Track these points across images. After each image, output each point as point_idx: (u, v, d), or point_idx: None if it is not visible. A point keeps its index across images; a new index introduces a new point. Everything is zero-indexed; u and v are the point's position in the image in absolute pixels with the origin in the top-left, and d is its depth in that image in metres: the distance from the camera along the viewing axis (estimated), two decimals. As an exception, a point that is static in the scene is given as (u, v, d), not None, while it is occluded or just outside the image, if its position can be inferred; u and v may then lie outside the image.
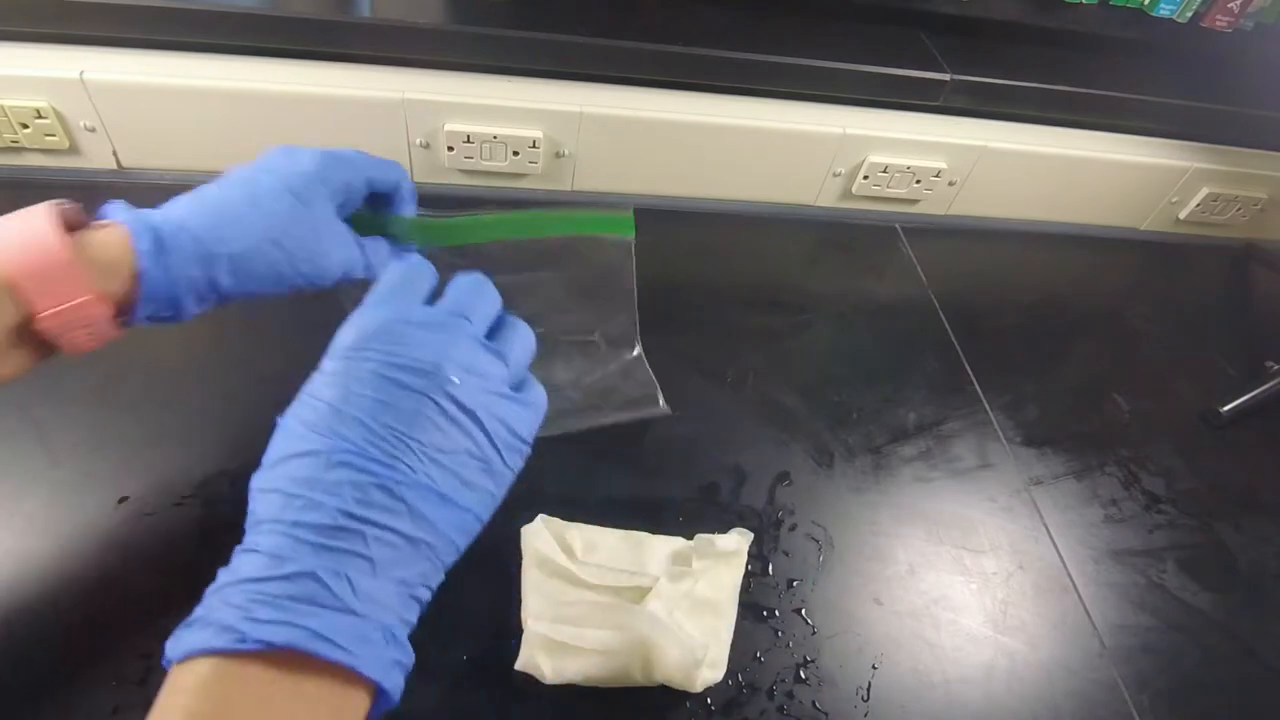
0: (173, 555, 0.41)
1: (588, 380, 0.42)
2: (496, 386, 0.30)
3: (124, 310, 0.33)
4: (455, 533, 0.29)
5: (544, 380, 0.33)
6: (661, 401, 0.40)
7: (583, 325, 0.43)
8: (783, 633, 0.44)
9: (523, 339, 0.34)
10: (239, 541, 0.27)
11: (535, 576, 0.41)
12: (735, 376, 0.58)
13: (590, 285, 0.40)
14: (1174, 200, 0.82)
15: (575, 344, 0.42)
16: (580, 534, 0.43)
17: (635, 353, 0.42)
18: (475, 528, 0.30)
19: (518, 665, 0.38)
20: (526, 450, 0.32)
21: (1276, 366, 0.66)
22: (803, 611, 0.45)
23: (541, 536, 0.42)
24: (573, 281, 0.39)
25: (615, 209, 0.37)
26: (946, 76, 0.68)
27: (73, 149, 0.61)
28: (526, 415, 0.32)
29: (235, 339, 0.53)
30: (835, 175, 0.73)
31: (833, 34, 0.70)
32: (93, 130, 0.60)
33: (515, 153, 0.66)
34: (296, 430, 0.28)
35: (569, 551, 0.42)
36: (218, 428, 0.47)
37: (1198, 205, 0.82)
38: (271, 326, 0.54)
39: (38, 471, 0.44)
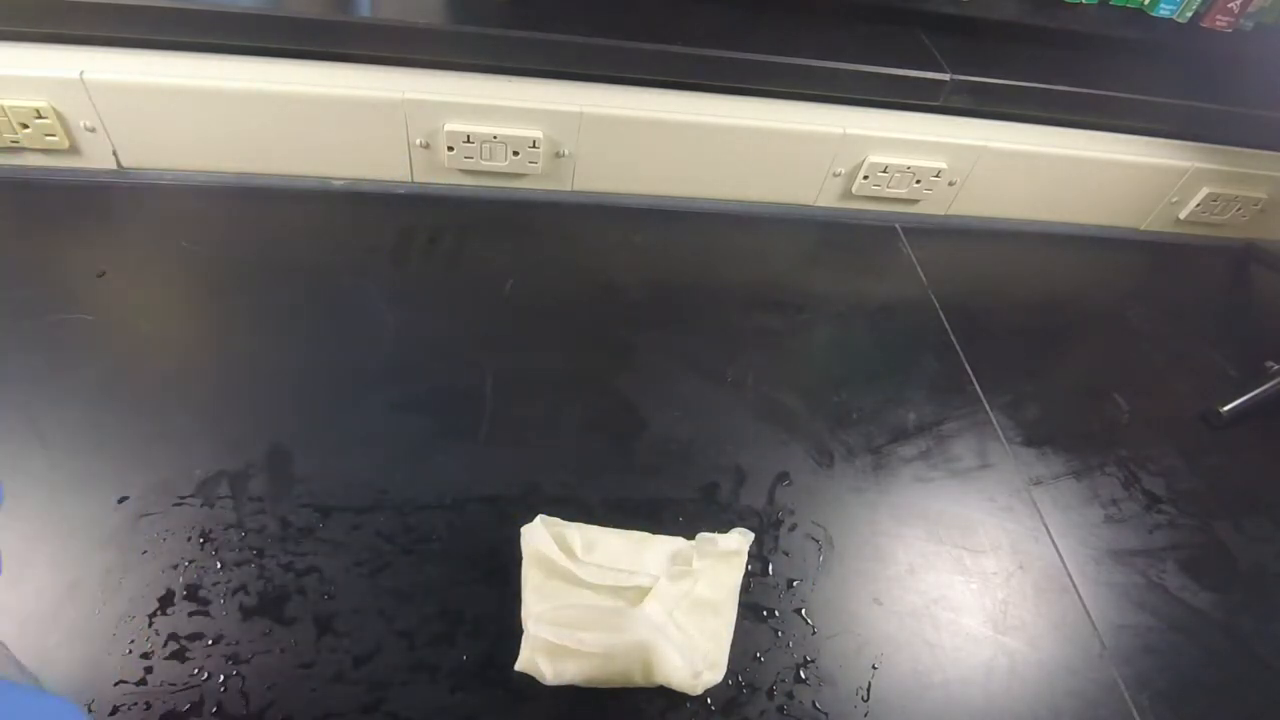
0: (173, 555, 0.41)
1: None
2: None
3: None
4: None
5: None
6: None
7: None
8: (783, 633, 0.44)
9: None
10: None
11: (535, 576, 0.41)
12: (735, 376, 0.58)
13: None
14: (1174, 200, 0.82)
15: None
16: (580, 534, 0.43)
17: None
18: None
19: (518, 666, 0.38)
20: None
21: (1276, 366, 0.66)
22: (803, 611, 0.45)
23: (541, 536, 0.42)
24: None
25: None
26: (946, 76, 0.68)
27: (73, 149, 0.61)
28: None
29: (236, 339, 0.53)
30: (835, 175, 0.73)
31: (833, 34, 0.70)
32: (93, 130, 0.60)
33: (515, 153, 0.66)
34: None
35: (569, 551, 0.42)
36: (218, 428, 0.47)
37: (1198, 205, 0.82)
38: (272, 327, 0.54)
39: (38, 472, 0.44)
